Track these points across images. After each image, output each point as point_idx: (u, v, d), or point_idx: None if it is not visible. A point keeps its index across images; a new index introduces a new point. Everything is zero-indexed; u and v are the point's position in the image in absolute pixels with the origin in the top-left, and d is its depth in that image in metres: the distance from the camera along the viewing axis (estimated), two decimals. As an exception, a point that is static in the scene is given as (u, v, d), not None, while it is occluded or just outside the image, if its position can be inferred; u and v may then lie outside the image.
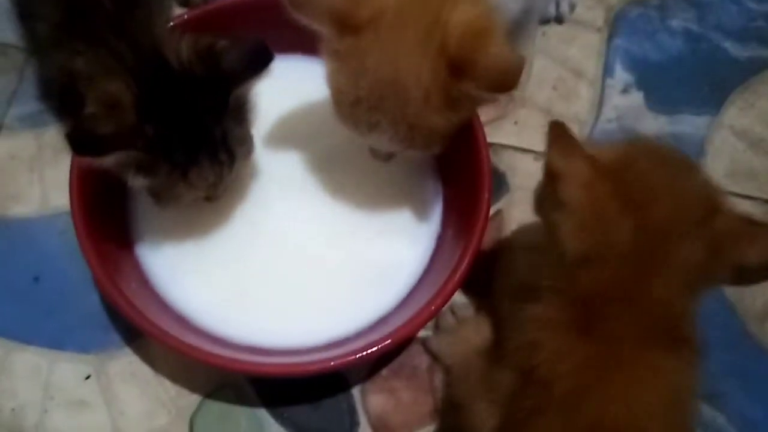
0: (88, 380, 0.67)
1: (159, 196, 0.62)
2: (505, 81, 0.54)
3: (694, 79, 0.82)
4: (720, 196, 0.51)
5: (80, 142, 0.54)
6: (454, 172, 0.69)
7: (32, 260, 0.71)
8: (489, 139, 0.72)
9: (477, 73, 0.53)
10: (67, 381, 0.67)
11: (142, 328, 0.59)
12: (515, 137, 0.78)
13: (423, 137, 0.58)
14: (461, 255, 0.60)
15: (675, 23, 0.85)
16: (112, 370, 0.67)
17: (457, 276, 0.59)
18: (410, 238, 0.69)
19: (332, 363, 0.58)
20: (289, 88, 0.68)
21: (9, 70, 0.79)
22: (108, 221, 0.66)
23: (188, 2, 0.81)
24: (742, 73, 0.83)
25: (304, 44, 0.60)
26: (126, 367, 0.67)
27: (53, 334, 0.68)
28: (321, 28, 0.55)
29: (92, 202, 0.64)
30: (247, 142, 0.62)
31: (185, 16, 0.70)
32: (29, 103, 0.77)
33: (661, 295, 0.48)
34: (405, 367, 0.68)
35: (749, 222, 0.50)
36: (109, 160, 0.56)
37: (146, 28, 0.58)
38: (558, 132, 0.52)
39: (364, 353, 0.57)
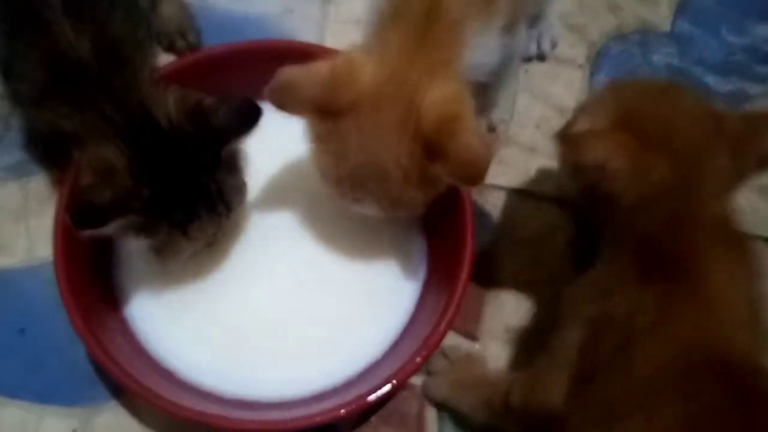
0: (75, 435, 0.66)
1: (160, 252, 0.62)
2: (473, 174, 0.57)
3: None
4: (712, 103, 0.58)
5: (82, 216, 0.55)
6: (439, 220, 0.69)
7: (18, 312, 0.71)
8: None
9: (448, 161, 0.56)
10: None
11: (127, 387, 0.59)
12: (501, 176, 0.78)
13: (405, 207, 0.60)
14: (446, 306, 0.60)
15: (656, 58, 0.86)
16: (98, 425, 0.67)
17: (442, 327, 0.60)
18: (396, 287, 0.69)
19: (317, 418, 0.57)
20: (277, 136, 0.68)
21: None
22: (92, 274, 0.66)
23: (173, 47, 0.81)
24: (724, 106, 0.84)
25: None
26: (113, 420, 0.67)
27: (40, 388, 0.68)
28: (304, 117, 0.58)
29: (76, 256, 0.64)
30: (241, 190, 0.63)
31: (171, 68, 0.70)
32: (14, 153, 0.77)
33: (708, 208, 0.54)
34: (394, 414, 0.68)
35: (750, 118, 0.57)
36: (109, 229, 0.56)
37: (133, 86, 0.59)
38: (563, 137, 0.57)
39: (349, 409, 0.58)
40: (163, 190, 0.57)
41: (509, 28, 0.65)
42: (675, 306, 0.51)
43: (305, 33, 0.84)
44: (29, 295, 0.71)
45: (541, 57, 0.85)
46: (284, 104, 0.57)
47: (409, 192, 0.58)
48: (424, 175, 0.57)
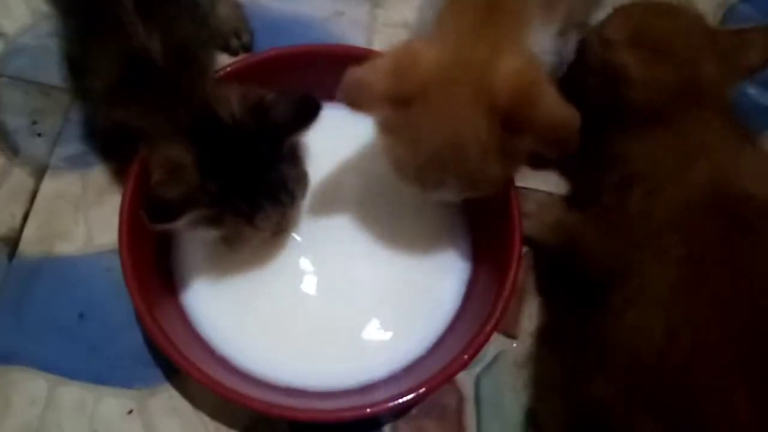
0: (131, 415, 0.70)
1: (229, 241, 0.66)
2: (562, 137, 0.57)
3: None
4: (707, 20, 0.69)
5: (155, 211, 0.58)
6: (486, 221, 0.71)
7: (77, 297, 0.74)
8: (517, 183, 0.75)
9: (533, 130, 0.56)
10: (111, 415, 0.70)
11: (183, 368, 0.62)
12: (544, 182, 0.80)
13: (485, 185, 0.61)
14: (493, 306, 0.63)
15: (699, 69, 0.88)
16: (153, 405, 0.70)
17: (489, 327, 0.62)
18: (442, 285, 0.71)
19: (368, 410, 0.60)
20: (331, 134, 0.70)
21: (54, 112, 0.82)
22: (153, 263, 0.69)
23: (228, 46, 0.84)
24: (766, 118, 0.85)
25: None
26: (167, 402, 0.70)
27: (98, 370, 0.71)
28: (379, 113, 0.60)
29: (139, 245, 0.67)
30: (303, 179, 0.66)
31: (229, 68, 0.73)
32: (74, 144, 0.80)
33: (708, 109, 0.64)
34: (435, 406, 0.70)
35: (740, 33, 0.67)
36: (180, 222, 0.59)
37: (198, 85, 0.62)
38: (602, 37, 0.67)
39: (396, 402, 0.60)
40: (228, 183, 0.59)
41: (563, 33, 0.67)
42: (690, 156, 0.61)
43: (354, 36, 0.87)
44: (88, 281, 0.74)
45: None
46: (356, 102, 0.58)
47: (489, 169, 0.59)
48: (504, 149, 0.58)
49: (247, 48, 0.84)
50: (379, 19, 0.88)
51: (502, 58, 0.57)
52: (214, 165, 0.59)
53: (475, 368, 0.72)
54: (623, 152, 0.65)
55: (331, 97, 0.59)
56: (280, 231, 0.68)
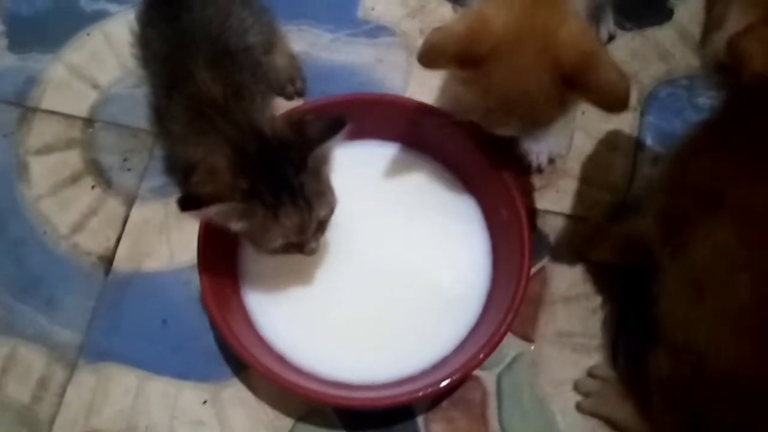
0: (206, 404, 0.82)
1: (258, 241, 0.74)
2: (615, 102, 0.66)
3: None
4: None
5: (183, 202, 0.68)
6: (504, 244, 0.83)
7: (161, 306, 0.87)
8: (533, 205, 0.86)
9: (591, 93, 0.66)
10: (189, 405, 0.82)
11: (250, 364, 0.75)
12: (558, 204, 0.91)
13: (543, 123, 0.73)
14: (506, 313, 0.74)
15: (701, 101, 0.95)
16: (224, 397, 0.82)
17: (502, 329, 0.74)
18: (466, 295, 0.83)
19: (401, 399, 0.73)
20: (368, 167, 0.86)
21: (141, 150, 0.96)
22: (223, 275, 0.82)
23: (284, 92, 0.97)
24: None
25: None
26: (235, 394, 0.82)
27: (178, 367, 0.84)
28: (449, 69, 0.71)
29: (212, 260, 0.80)
30: (324, 196, 0.73)
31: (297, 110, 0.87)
32: (158, 178, 0.94)
33: None
34: (462, 399, 0.81)
35: None
36: (210, 212, 0.69)
37: (247, 113, 0.73)
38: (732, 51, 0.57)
39: (427, 392, 0.72)
40: (257, 182, 0.69)
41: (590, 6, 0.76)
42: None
43: (393, 80, 0.98)
44: (170, 293, 0.87)
45: (611, 37, 0.98)
46: (433, 63, 0.69)
47: (550, 111, 0.70)
48: (563, 99, 0.69)
49: (300, 93, 0.97)
50: (414, 64, 0.97)
51: (563, 25, 0.67)
52: (248, 167, 0.69)
53: (498, 367, 0.82)
54: None
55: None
56: (305, 242, 0.75)
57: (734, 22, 0.57)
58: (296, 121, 0.72)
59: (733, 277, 0.58)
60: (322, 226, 0.76)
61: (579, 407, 0.80)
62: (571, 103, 0.71)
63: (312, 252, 0.76)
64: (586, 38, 0.68)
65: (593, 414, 0.79)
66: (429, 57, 0.69)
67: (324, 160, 0.73)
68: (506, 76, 0.68)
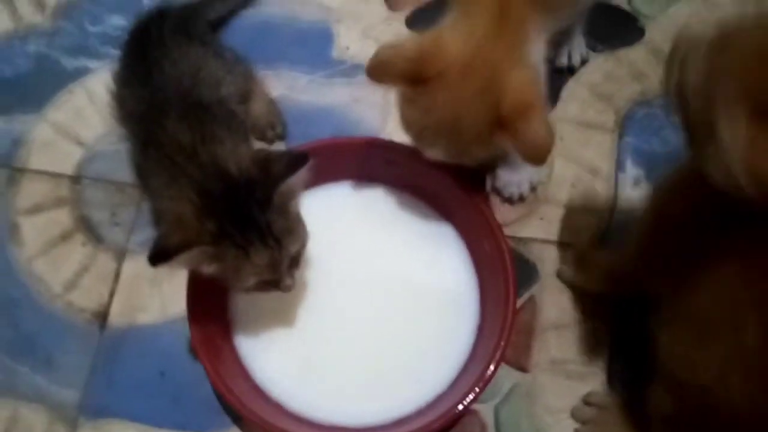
0: (208, 455, 0.83)
1: (232, 281, 0.73)
2: (537, 155, 0.70)
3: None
4: None
5: (152, 257, 0.68)
6: (490, 277, 0.84)
7: (158, 359, 0.87)
8: (518, 234, 0.88)
9: (515, 138, 0.68)
10: None
11: (243, 415, 0.76)
12: (542, 230, 0.92)
13: (467, 155, 0.75)
14: (495, 347, 0.75)
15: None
16: (224, 446, 0.83)
17: (492, 366, 0.74)
18: (456, 331, 0.83)
19: None
20: (350, 207, 0.89)
21: (128, 205, 0.96)
22: (213, 323, 0.82)
23: (264, 137, 0.99)
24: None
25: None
26: (235, 443, 0.83)
27: (178, 418, 0.84)
28: (396, 86, 0.73)
29: (203, 312, 0.80)
30: (293, 233, 0.73)
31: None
32: (146, 230, 0.94)
33: None
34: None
35: None
36: (180, 261, 0.68)
37: (214, 155, 0.73)
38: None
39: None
40: (225, 223, 0.69)
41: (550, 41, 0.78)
42: None
43: (371, 118, 0.99)
44: (166, 344, 0.88)
45: (571, 69, 1.00)
46: (380, 79, 0.71)
47: (474, 147, 0.72)
48: (490, 138, 0.71)
49: (281, 137, 0.98)
50: (390, 101, 0.98)
51: (515, 67, 0.69)
52: (214, 209, 0.69)
53: (494, 399, 0.83)
54: None
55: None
56: (279, 279, 0.74)
57: (729, 130, 0.48)
58: (261, 158, 0.73)
59: (740, 318, 0.56)
60: (295, 261, 0.76)
61: None
62: (494, 146, 0.73)
63: (288, 288, 0.76)
64: (532, 89, 0.70)
65: None
66: (377, 72, 0.71)
67: (290, 196, 0.73)
68: (446, 101, 0.70)
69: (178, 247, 0.68)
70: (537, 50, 0.74)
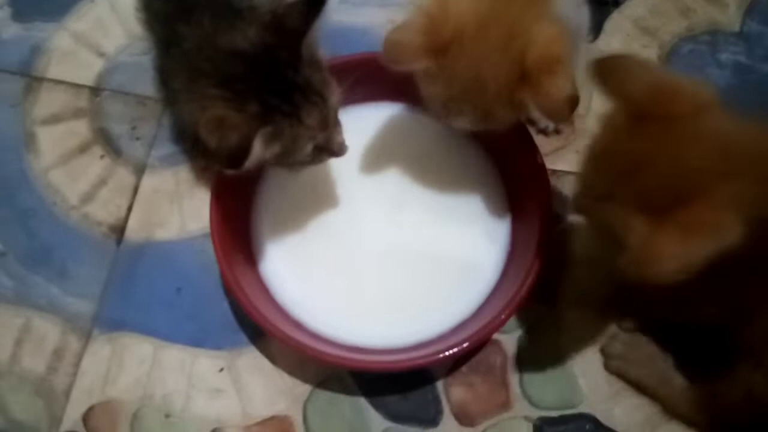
0: (222, 372, 0.81)
1: (291, 156, 0.70)
2: (556, 111, 0.67)
3: (743, 107, 0.89)
4: None
5: (229, 161, 0.65)
6: (521, 200, 0.81)
7: (175, 275, 0.86)
8: (553, 167, 0.84)
9: (538, 92, 0.65)
10: (206, 373, 0.81)
11: (266, 329, 0.74)
12: (577, 164, 0.88)
13: (493, 122, 0.70)
14: (527, 272, 0.72)
15: (724, 57, 0.94)
16: (241, 364, 0.81)
17: (524, 290, 0.72)
18: (485, 256, 0.81)
19: (420, 361, 0.72)
20: (382, 126, 0.86)
21: (149, 119, 0.94)
22: (237, 240, 0.80)
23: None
24: (791, 100, 0.91)
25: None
26: (252, 361, 0.81)
27: (194, 335, 0.83)
28: (419, 66, 0.68)
29: (225, 227, 0.78)
30: (330, 84, 0.70)
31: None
32: (167, 146, 0.92)
33: None
34: (482, 364, 0.80)
35: None
36: (252, 157, 0.65)
37: (228, 39, 0.69)
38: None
39: (445, 354, 0.71)
40: (265, 98, 0.66)
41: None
42: None
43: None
44: (183, 261, 0.86)
45: (616, 2, 0.96)
46: (397, 61, 0.67)
47: (499, 108, 0.68)
48: (512, 97, 0.67)
49: (310, 55, 0.95)
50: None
51: (538, 22, 0.65)
52: (246, 91, 0.66)
53: (518, 330, 0.81)
54: None
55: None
56: (329, 133, 0.71)
57: (631, 232, 0.55)
58: (270, 21, 0.68)
59: None
60: (336, 114, 0.73)
61: (607, 367, 0.78)
62: (520, 107, 0.69)
63: (343, 148, 0.73)
64: (559, 43, 0.65)
65: (621, 376, 0.78)
66: (393, 55, 0.67)
67: (315, 46, 0.69)
68: (467, 64, 0.66)
69: (242, 145, 0.64)
70: (566, 6, 0.70)
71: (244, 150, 0.65)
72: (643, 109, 0.57)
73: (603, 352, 0.79)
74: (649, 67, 0.59)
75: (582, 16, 0.79)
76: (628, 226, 0.56)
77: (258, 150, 0.66)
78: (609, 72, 0.60)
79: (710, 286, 0.59)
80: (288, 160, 0.71)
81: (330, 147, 0.73)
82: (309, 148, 0.70)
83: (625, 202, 0.57)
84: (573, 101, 0.65)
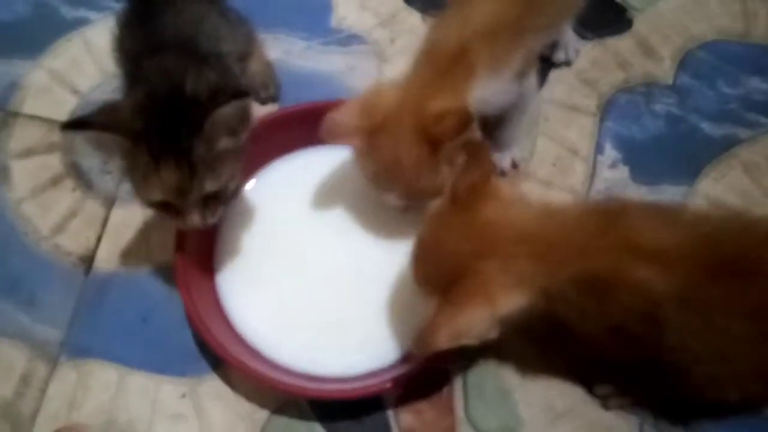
0: (184, 398, 0.85)
1: (139, 188, 0.73)
2: (448, 127, 0.74)
3: (673, 155, 0.98)
4: None
5: (66, 123, 0.70)
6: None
7: (141, 305, 0.89)
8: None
9: (446, 138, 0.74)
10: (168, 398, 0.85)
11: (226, 360, 0.79)
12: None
13: (421, 193, 0.79)
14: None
15: (658, 107, 1.01)
16: (202, 390, 0.85)
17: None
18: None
19: (372, 389, 0.78)
20: (329, 167, 0.92)
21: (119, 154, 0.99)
22: (199, 271, 0.85)
23: (258, 97, 1.00)
24: (716, 149, 0.98)
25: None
26: (213, 388, 0.85)
27: (157, 362, 0.86)
28: (351, 143, 0.79)
29: (190, 261, 0.83)
30: (214, 169, 0.72)
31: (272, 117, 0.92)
32: (137, 180, 0.98)
33: None
34: (429, 391, 0.84)
35: None
36: (93, 138, 0.69)
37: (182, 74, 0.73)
38: None
39: (396, 382, 0.77)
40: (152, 129, 0.69)
41: (520, 76, 0.83)
42: None
43: (364, 87, 0.98)
44: (149, 291, 0.90)
45: (568, 63, 1.04)
46: (334, 136, 0.78)
47: (422, 180, 0.78)
48: (434, 164, 0.76)
49: (274, 99, 1.01)
50: (385, 71, 1.04)
51: (437, 100, 0.75)
52: (151, 113, 0.70)
53: (463, 359, 0.86)
54: None
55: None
56: (184, 205, 0.73)
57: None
58: (216, 86, 0.72)
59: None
60: (210, 202, 0.74)
61: (607, 408, 0.83)
62: (436, 176, 0.77)
63: (190, 224, 0.74)
64: (451, 106, 0.75)
65: (623, 407, 0.83)
66: (331, 131, 0.78)
67: (223, 131, 0.72)
68: (386, 146, 0.77)
69: (96, 124, 0.69)
70: (492, 89, 0.79)
71: (84, 125, 0.69)
72: (465, 203, 0.67)
73: (596, 396, 0.84)
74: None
75: (528, 86, 0.88)
76: (425, 303, 0.67)
77: (97, 140, 0.70)
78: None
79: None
80: (136, 188, 0.74)
81: (182, 216, 0.74)
82: (156, 196, 0.72)
83: (426, 282, 0.69)
84: (462, 119, 0.74)
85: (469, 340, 0.64)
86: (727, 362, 0.66)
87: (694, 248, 0.63)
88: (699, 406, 0.82)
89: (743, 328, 0.63)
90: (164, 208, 0.74)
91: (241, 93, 0.71)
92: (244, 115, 0.75)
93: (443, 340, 0.62)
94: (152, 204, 0.74)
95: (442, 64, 0.77)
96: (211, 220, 0.76)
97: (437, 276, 0.66)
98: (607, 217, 0.66)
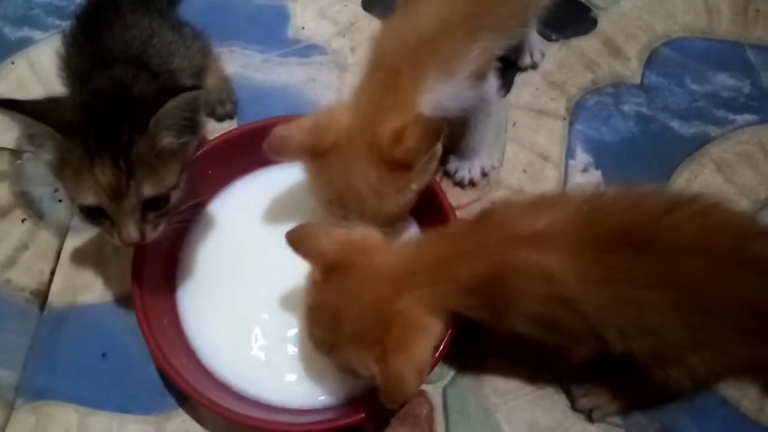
0: (150, 438, 0.81)
1: (71, 189, 0.67)
2: (428, 157, 0.72)
3: (645, 156, 0.96)
4: None
5: (7, 100, 0.65)
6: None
7: (100, 340, 0.85)
8: (469, 218, 0.87)
9: (405, 159, 0.71)
10: None
11: (191, 397, 0.75)
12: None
13: (383, 219, 0.75)
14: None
15: (627, 108, 0.99)
16: (168, 429, 0.81)
17: (443, 344, 0.74)
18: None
19: (346, 420, 0.74)
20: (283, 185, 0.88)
21: None
22: (160, 301, 0.81)
23: (213, 113, 0.96)
24: (688, 148, 0.96)
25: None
26: (180, 425, 0.81)
27: (120, 400, 0.82)
28: (298, 161, 0.75)
29: (149, 293, 0.79)
30: (155, 174, 0.67)
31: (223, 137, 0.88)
32: (91, 208, 0.93)
33: None
34: (409, 415, 0.82)
35: None
36: (22, 121, 0.65)
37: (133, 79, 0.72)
38: None
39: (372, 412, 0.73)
40: (90, 123, 0.65)
41: (479, 77, 0.80)
42: None
43: (325, 99, 0.98)
44: (108, 325, 0.86)
45: (534, 66, 1.01)
46: (279, 153, 0.74)
47: (384, 206, 0.74)
48: (395, 187, 0.73)
49: (231, 115, 0.97)
50: (346, 82, 1.01)
51: (388, 119, 0.72)
52: (92, 109, 0.66)
53: (443, 381, 0.83)
54: None
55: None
56: (117, 210, 0.67)
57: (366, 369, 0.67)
58: (163, 86, 0.71)
59: None
60: (149, 215, 0.69)
61: (591, 420, 0.82)
62: (408, 191, 0.75)
63: (126, 238, 0.68)
64: (403, 124, 0.71)
65: (607, 416, 0.82)
66: (275, 147, 0.73)
67: (169, 129, 0.68)
68: (340, 170, 0.73)
69: (26, 110, 0.64)
70: (447, 93, 0.76)
71: (13, 106, 0.64)
72: (332, 263, 0.68)
73: (579, 410, 0.82)
74: (330, 229, 0.70)
75: (488, 89, 0.84)
76: (360, 364, 0.66)
77: (26, 125, 0.66)
78: (299, 240, 0.70)
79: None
80: (69, 189, 0.68)
81: (118, 228, 0.68)
82: (90, 198, 0.66)
83: (346, 346, 0.67)
84: (429, 131, 0.71)
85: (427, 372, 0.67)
86: (658, 336, 0.68)
87: (576, 224, 0.67)
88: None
89: (656, 299, 0.66)
90: (98, 217, 0.68)
91: (189, 87, 0.69)
92: (194, 114, 0.70)
93: (413, 383, 0.64)
94: (84, 210, 0.68)
95: (388, 75, 0.73)
96: (150, 236, 0.69)
97: (362, 331, 0.66)
98: (475, 224, 0.71)
